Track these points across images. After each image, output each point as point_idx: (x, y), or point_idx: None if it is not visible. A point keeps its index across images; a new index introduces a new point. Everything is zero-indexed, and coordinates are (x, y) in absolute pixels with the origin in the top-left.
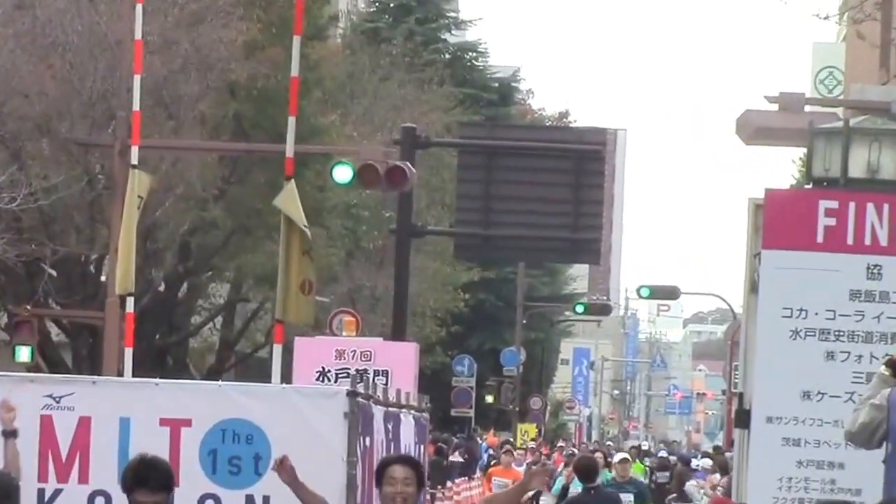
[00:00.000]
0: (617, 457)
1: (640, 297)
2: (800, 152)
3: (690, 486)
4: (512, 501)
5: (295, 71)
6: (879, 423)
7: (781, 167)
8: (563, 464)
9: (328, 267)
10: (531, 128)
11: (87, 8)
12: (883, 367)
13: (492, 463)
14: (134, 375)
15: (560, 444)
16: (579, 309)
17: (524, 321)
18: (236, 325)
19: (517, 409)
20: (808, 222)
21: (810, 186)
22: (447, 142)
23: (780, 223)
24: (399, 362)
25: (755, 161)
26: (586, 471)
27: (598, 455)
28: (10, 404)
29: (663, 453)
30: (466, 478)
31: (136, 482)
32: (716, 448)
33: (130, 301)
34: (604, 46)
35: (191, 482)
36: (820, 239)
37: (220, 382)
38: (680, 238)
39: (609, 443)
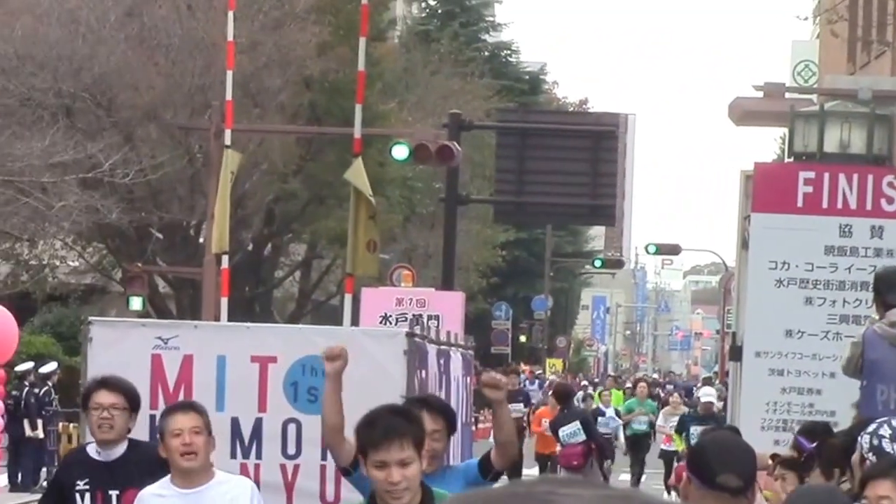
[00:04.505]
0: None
1: (648, 253)
2: (782, 132)
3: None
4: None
5: (361, 66)
6: (858, 357)
7: (767, 144)
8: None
9: (389, 229)
10: (556, 113)
11: (186, 15)
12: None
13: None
14: (228, 321)
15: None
16: (597, 263)
17: (551, 274)
18: (312, 279)
19: (546, 346)
20: (789, 190)
21: (791, 160)
22: (487, 125)
23: (766, 191)
24: (448, 308)
25: (745, 140)
26: (563, 395)
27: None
28: None
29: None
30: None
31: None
32: (705, 379)
33: (225, 259)
34: (617, 45)
35: (277, 409)
36: (800, 204)
37: (300, 326)
38: (681, 205)
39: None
